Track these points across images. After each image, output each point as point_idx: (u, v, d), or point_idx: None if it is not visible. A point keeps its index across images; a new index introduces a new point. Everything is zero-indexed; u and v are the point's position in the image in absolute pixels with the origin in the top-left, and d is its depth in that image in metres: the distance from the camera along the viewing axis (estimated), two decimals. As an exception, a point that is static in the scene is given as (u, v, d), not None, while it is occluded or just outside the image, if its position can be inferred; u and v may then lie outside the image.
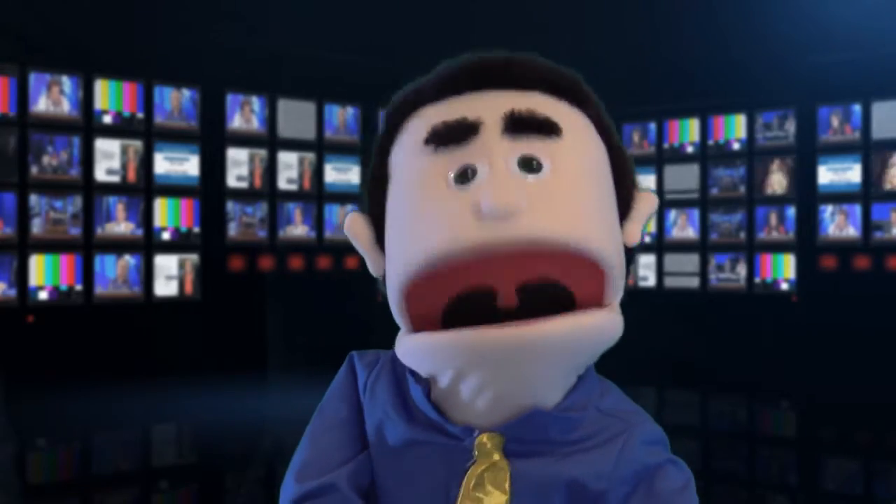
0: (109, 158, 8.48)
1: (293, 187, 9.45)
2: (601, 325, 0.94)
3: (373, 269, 1.03)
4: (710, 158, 9.89)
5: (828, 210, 9.19)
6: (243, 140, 9.18)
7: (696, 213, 9.94)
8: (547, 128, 0.96)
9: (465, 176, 0.93)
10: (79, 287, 8.27)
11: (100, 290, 8.37)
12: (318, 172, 9.57)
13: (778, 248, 9.48)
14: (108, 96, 8.46)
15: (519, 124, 0.95)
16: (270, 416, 7.34)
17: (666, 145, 10.14)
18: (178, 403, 7.63)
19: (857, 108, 9.03)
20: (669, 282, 10.04)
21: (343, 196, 9.67)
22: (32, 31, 7.97)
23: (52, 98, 8.20)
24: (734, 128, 9.76)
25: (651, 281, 10.13)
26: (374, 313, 8.37)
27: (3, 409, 7.31)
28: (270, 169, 9.31)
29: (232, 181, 9.10)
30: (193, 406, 7.58)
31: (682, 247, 9.98)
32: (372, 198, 1.04)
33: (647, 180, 9.81)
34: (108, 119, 8.46)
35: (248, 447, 6.49)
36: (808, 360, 8.35)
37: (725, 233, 9.80)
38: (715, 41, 8.89)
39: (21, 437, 6.80)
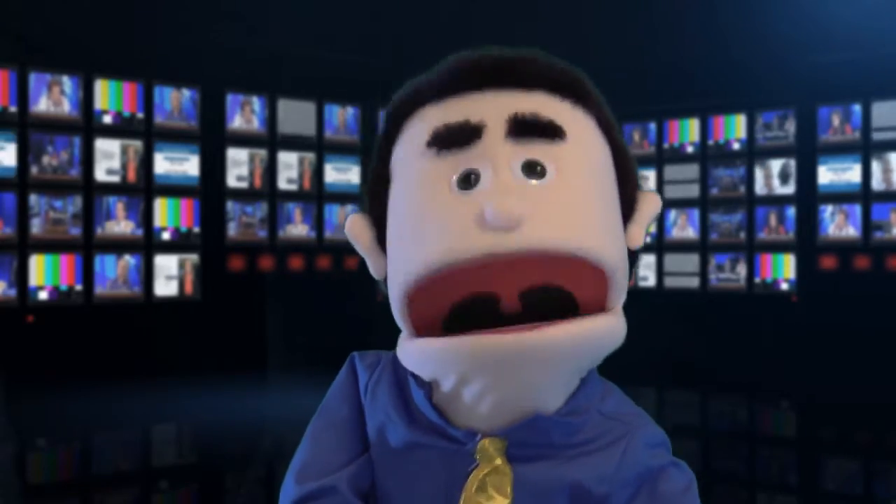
0: (109, 158, 8.48)
1: (293, 187, 9.45)
2: (604, 329, 0.93)
3: (374, 270, 1.02)
4: (710, 158, 9.89)
5: (828, 210, 9.19)
6: (243, 140, 9.17)
7: (696, 213, 9.94)
8: (551, 131, 0.95)
9: (468, 181, 0.92)
10: (79, 287, 8.27)
11: (100, 290, 8.37)
12: (318, 172, 9.57)
13: (778, 248, 9.47)
14: (108, 96, 8.46)
15: (522, 127, 0.94)
16: (270, 416, 7.34)
17: (666, 145, 10.14)
18: (178, 403, 7.62)
19: (857, 108, 9.03)
20: (669, 282, 10.04)
21: (343, 196, 9.67)
22: (32, 31, 7.97)
23: (53, 98, 8.20)
24: (734, 128, 9.76)
25: (651, 281, 10.13)
26: (374, 313, 8.38)
27: (3, 409, 7.30)
28: (270, 169, 9.30)
29: (232, 181, 9.10)
30: (193, 406, 7.58)
31: (682, 247, 9.98)
32: (373, 198, 1.03)
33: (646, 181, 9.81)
34: (108, 119, 8.46)
35: (248, 447, 6.48)
36: (808, 360, 8.35)
37: (725, 233, 9.80)
38: (715, 41, 8.88)
39: (21, 437, 6.79)
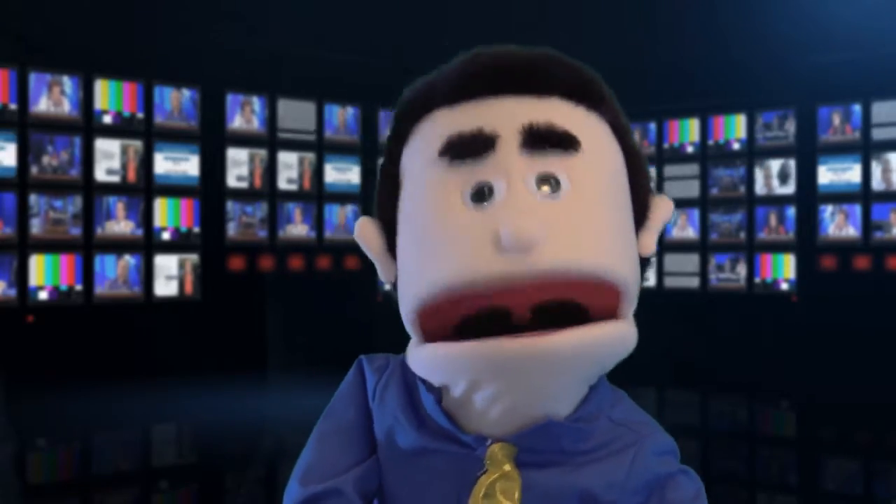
0: (109, 158, 8.47)
1: (293, 187, 9.45)
2: (615, 336, 0.93)
3: (383, 276, 1.02)
4: (710, 158, 9.89)
5: (828, 210, 9.19)
6: (243, 140, 9.17)
7: (696, 213, 9.94)
8: (566, 142, 0.93)
9: (481, 194, 0.91)
10: (79, 287, 8.27)
11: (100, 290, 8.37)
12: (318, 172, 9.57)
13: (778, 248, 9.48)
14: (108, 96, 8.46)
15: (537, 139, 0.93)
16: (270, 416, 7.34)
17: (666, 145, 10.14)
18: (178, 403, 7.62)
19: (857, 108, 9.03)
20: (669, 282, 10.04)
21: (343, 196, 9.68)
22: (32, 31, 7.96)
23: (53, 98, 8.20)
24: (734, 128, 9.76)
25: (651, 281, 10.13)
26: (374, 313, 8.38)
27: (3, 409, 7.30)
28: (270, 169, 9.30)
29: (232, 181, 9.10)
30: (193, 406, 7.58)
31: (682, 247, 9.98)
32: (382, 202, 1.02)
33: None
34: (108, 119, 8.46)
35: (248, 447, 6.48)
36: (808, 360, 8.35)
37: (725, 233, 9.80)
38: (715, 41, 8.88)
39: (21, 437, 6.79)
